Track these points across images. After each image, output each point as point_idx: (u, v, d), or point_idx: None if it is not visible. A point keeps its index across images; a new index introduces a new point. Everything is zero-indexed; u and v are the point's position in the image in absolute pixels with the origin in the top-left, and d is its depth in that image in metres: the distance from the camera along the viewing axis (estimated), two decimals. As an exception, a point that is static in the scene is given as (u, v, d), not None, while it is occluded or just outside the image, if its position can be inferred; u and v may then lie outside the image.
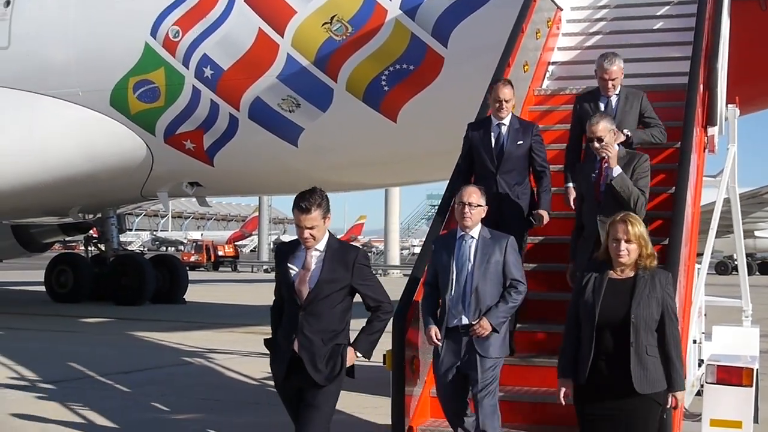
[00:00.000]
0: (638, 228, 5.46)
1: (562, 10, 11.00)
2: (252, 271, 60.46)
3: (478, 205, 6.56)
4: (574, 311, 5.55)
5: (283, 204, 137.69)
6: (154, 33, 16.60)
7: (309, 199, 5.69)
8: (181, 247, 79.17)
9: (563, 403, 5.45)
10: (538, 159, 7.84)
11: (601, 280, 5.50)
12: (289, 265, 5.86)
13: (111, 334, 16.98)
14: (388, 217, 52.59)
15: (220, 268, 62.45)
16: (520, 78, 9.33)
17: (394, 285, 12.56)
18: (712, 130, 8.63)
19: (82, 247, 28.50)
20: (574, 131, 8.20)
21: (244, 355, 13.96)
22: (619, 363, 5.34)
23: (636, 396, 5.32)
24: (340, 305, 5.81)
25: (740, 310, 9.62)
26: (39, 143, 17.64)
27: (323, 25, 15.39)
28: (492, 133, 7.73)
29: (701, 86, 8.46)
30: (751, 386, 7.03)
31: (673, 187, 7.47)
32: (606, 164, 7.13)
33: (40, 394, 10.52)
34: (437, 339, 6.45)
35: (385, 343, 6.41)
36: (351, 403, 10.04)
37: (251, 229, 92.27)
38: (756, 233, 54.45)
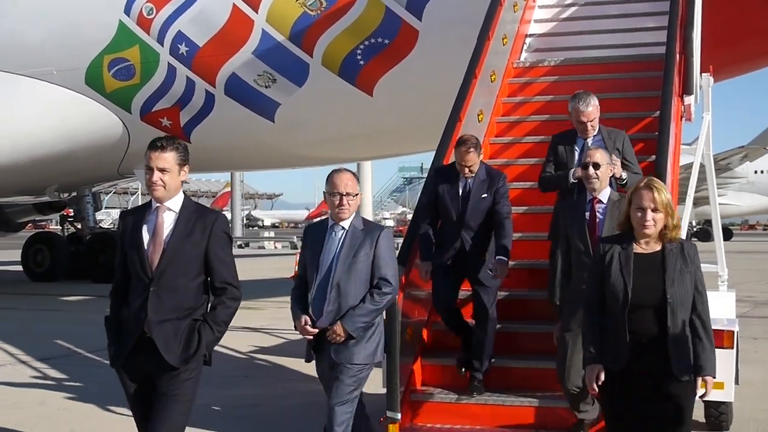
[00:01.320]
0: (665, 195, 4.93)
1: (538, -18, 11.13)
2: (225, 247, 60.18)
3: (356, 194, 5.81)
4: (597, 292, 5.02)
5: (255, 179, 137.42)
6: (127, 11, 16.58)
7: (166, 139, 5.04)
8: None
9: (596, 391, 4.97)
10: (501, 212, 7.22)
11: (627, 256, 4.98)
12: (139, 233, 5.06)
13: (91, 312, 16.99)
14: (361, 189, 52.64)
15: (193, 245, 62.19)
16: (499, 51, 9.48)
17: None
18: (689, 99, 8.80)
19: (54, 227, 28.46)
20: (548, 168, 7.47)
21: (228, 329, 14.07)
22: (655, 347, 4.87)
23: (675, 381, 4.87)
24: (198, 278, 5.06)
25: (716, 276, 9.84)
26: (13, 123, 17.59)
27: (297, 0, 15.44)
28: (459, 185, 7.26)
29: (677, 55, 8.62)
30: (732, 348, 7.22)
31: (653, 156, 7.62)
32: (597, 202, 6.44)
33: (33, 371, 10.64)
34: (309, 331, 5.74)
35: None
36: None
37: (222, 205, 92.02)
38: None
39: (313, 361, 5.96)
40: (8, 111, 17.65)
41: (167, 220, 5.02)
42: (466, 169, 7.14)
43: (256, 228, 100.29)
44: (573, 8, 11.10)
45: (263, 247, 52.92)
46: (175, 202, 5.07)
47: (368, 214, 54.07)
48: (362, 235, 5.77)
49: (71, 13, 17.16)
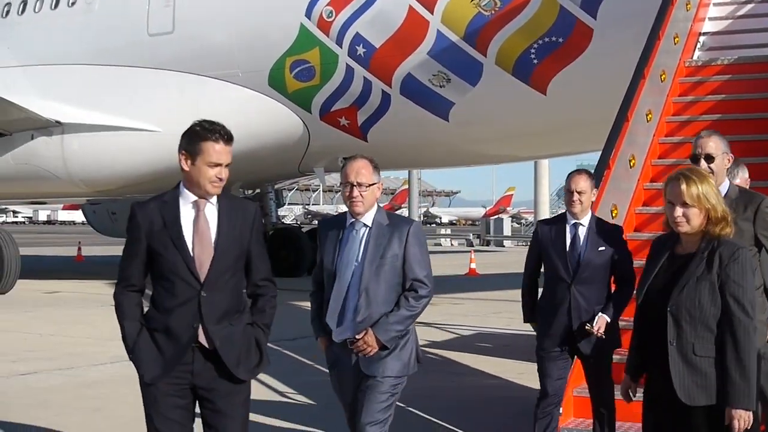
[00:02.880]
0: (699, 187, 4.29)
1: (712, -21, 10.97)
2: (402, 243, 60.97)
3: (371, 184, 5.07)
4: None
5: (432, 177, 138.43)
6: (308, 14, 17.19)
7: (225, 128, 4.59)
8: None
9: (626, 401, 4.66)
10: (623, 267, 6.39)
11: (660, 255, 4.49)
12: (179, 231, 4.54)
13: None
14: (538, 188, 52.22)
15: (371, 241, 63.30)
16: (670, 50, 9.43)
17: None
18: None
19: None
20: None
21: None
22: (663, 366, 4.33)
23: (690, 408, 4.26)
24: (239, 274, 4.67)
25: None
26: (204, 123, 18.51)
27: (472, 0, 15.65)
28: (567, 234, 6.48)
29: None
30: None
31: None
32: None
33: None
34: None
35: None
36: (508, 369, 10.43)
37: (400, 202, 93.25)
38: None
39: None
40: (198, 111, 18.52)
41: (209, 215, 4.56)
42: (573, 202, 6.42)
43: (433, 225, 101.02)
44: (749, 5, 10.86)
45: (440, 244, 53.33)
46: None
47: (545, 212, 53.83)
48: (389, 231, 5.09)
49: (255, 17, 17.90)
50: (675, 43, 9.63)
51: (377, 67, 16.79)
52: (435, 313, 16.36)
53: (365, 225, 5.11)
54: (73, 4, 20.09)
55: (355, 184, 5.01)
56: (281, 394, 9.30)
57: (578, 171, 6.59)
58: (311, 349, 11.51)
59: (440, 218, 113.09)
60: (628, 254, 6.51)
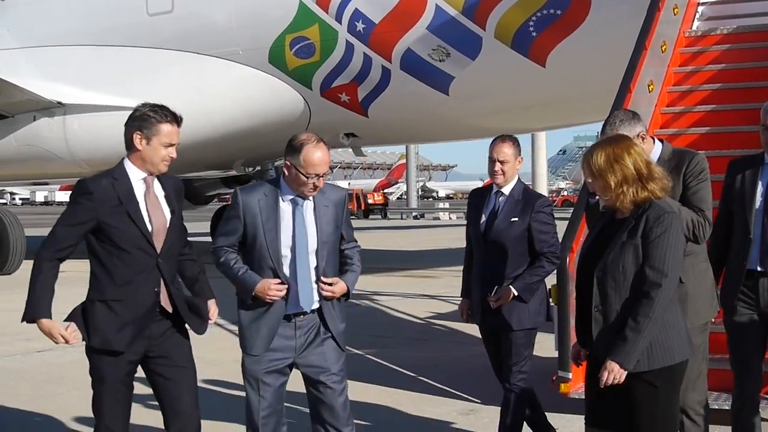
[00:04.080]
0: (598, 159, 4.36)
1: (711, -52, 11.04)
2: (401, 218, 61.46)
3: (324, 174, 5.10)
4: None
5: (429, 151, 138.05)
6: (307, -9, 17.26)
7: (175, 112, 4.99)
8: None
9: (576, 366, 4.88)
10: (540, 240, 6.14)
11: (598, 222, 4.62)
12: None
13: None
14: (535, 159, 52.37)
15: (370, 216, 63.65)
16: (670, 20, 9.53)
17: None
18: None
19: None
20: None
21: (405, 297, 14.69)
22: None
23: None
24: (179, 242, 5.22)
25: None
26: (205, 101, 18.62)
27: (470, -26, 15.72)
28: (486, 206, 6.31)
29: None
30: None
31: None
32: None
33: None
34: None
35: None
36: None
37: (397, 177, 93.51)
38: None
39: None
40: (200, 90, 18.70)
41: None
42: (495, 172, 6.27)
43: (430, 199, 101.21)
44: (748, -26, 10.97)
45: (438, 218, 53.57)
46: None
47: (543, 184, 53.97)
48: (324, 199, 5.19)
49: (254, -5, 17.96)
50: (675, 14, 9.73)
51: (377, 43, 16.87)
52: (438, 285, 16.58)
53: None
54: (72, -16, 20.13)
55: (320, 175, 5.11)
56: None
57: (502, 138, 6.29)
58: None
59: (437, 192, 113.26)
60: (546, 224, 6.19)
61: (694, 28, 10.32)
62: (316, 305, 5.17)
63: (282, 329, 5.13)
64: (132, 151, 4.94)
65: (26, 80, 19.56)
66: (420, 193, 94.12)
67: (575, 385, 6.93)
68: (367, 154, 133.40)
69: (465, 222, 6.65)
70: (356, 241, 5.41)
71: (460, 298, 6.62)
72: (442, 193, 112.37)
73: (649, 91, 8.76)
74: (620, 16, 13.71)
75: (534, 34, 15.49)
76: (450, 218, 54.99)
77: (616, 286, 4.30)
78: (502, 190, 6.23)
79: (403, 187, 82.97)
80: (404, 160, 74.91)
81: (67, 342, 4.85)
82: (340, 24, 17.01)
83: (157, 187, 4.99)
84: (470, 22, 15.88)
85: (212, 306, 5.26)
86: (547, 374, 7.13)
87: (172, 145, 4.91)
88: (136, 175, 4.93)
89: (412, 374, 9.13)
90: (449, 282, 16.70)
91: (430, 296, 15.01)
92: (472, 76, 16.39)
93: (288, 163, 5.02)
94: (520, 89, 16.61)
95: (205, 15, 18.46)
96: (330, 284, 5.14)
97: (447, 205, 72.81)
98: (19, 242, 19.96)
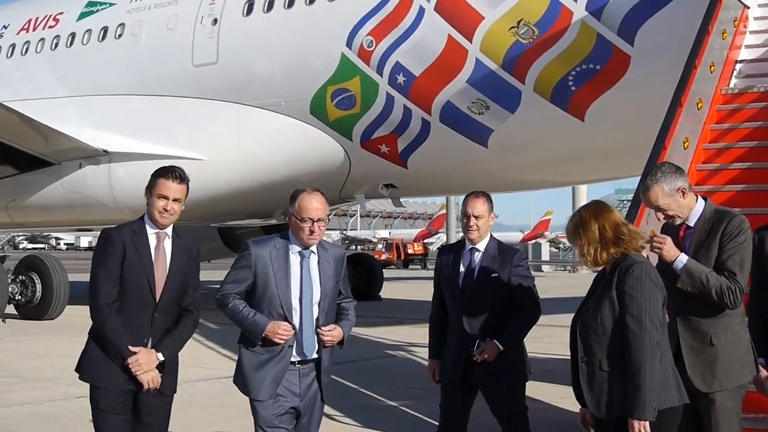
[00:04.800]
0: (572, 224, 4.84)
1: (749, 8, 11.11)
2: (440, 269, 61.10)
3: (320, 220, 5.49)
4: None
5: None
6: (349, 44, 17.51)
7: (181, 170, 5.60)
8: (371, 246, 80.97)
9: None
10: (521, 293, 6.28)
11: (595, 280, 4.91)
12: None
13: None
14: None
15: (410, 266, 63.61)
16: (707, 78, 9.59)
17: (583, 280, 12.91)
18: None
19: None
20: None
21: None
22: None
23: (605, 421, 4.57)
24: (179, 300, 5.65)
25: None
26: (247, 151, 18.92)
27: (510, 29, 15.87)
28: (462, 262, 6.32)
29: None
30: None
31: None
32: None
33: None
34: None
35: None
36: (549, 392, 10.58)
37: (438, 227, 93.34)
38: None
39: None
40: (241, 140, 18.99)
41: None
42: (470, 227, 6.33)
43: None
44: (786, 33, 11.03)
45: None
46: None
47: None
48: (326, 256, 5.59)
49: (297, 47, 18.24)
50: (711, 72, 9.79)
51: (417, 96, 17.04)
52: (475, 337, 16.52)
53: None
54: (120, 36, 20.61)
55: (315, 220, 5.47)
56: (327, 416, 9.52)
57: (475, 194, 6.36)
58: (354, 374, 11.81)
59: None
60: (526, 278, 6.28)
61: (731, 85, 10.36)
62: (315, 355, 5.44)
63: (287, 375, 5.38)
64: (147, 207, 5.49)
65: (73, 128, 20.04)
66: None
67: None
68: (407, 204, 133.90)
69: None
70: (353, 297, 5.75)
71: (430, 360, 6.59)
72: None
73: (684, 148, 8.81)
74: (660, 70, 13.77)
75: (573, 88, 15.60)
76: (490, 269, 54.79)
77: (596, 338, 4.56)
78: (476, 246, 6.26)
79: (443, 237, 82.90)
80: (444, 211, 74.96)
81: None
82: (381, 76, 17.23)
83: (168, 245, 5.42)
84: (510, 76, 16.02)
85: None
86: (577, 429, 7.09)
87: (167, 198, 5.36)
88: (150, 229, 5.45)
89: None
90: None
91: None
92: (511, 129, 16.50)
93: (289, 213, 5.44)
94: (558, 143, 16.68)
95: (248, 66, 18.79)
96: (329, 331, 5.40)
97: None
98: (63, 287, 20.26)
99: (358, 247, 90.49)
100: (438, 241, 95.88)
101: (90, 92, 20.76)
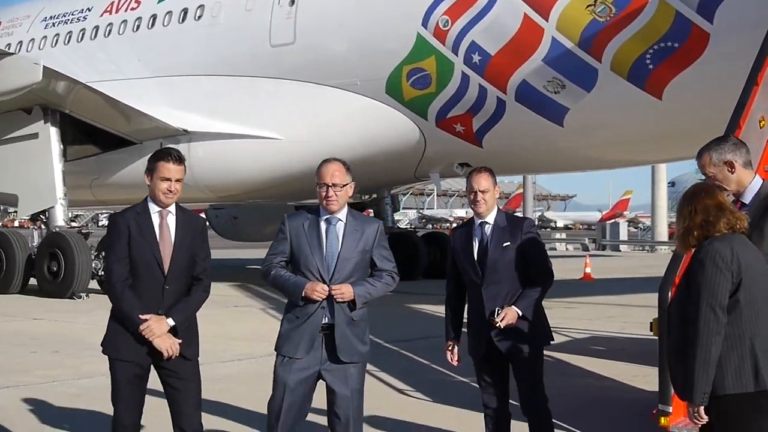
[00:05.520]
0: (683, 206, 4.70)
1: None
2: (517, 248, 60.72)
3: (344, 185, 5.75)
4: None
5: (547, 181, 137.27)
6: (425, 23, 17.58)
7: (177, 151, 5.83)
8: (447, 224, 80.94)
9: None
10: (534, 260, 6.37)
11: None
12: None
13: (389, 306, 18.18)
14: (655, 191, 51.53)
15: (486, 246, 63.19)
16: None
17: (661, 260, 12.82)
18: None
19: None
20: None
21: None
22: None
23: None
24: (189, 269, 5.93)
25: None
26: (323, 130, 19.12)
27: (587, 7, 15.79)
28: (474, 237, 6.40)
29: None
30: None
31: None
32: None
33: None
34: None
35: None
36: (622, 371, 10.58)
37: (515, 206, 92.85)
38: None
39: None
40: (318, 119, 19.20)
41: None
42: (477, 201, 6.34)
43: (548, 229, 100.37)
44: None
45: (555, 248, 53.09)
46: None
47: (663, 216, 52.85)
48: (359, 226, 5.87)
49: (373, 27, 18.39)
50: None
51: (492, 75, 17.05)
52: (549, 316, 16.44)
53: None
54: (199, 17, 20.97)
55: (330, 184, 5.72)
56: (399, 391, 9.68)
57: (478, 170, 6.38)
58: (426, 350, 11.95)
59: (555, 222, 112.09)
60: (537, 244, 6.42)
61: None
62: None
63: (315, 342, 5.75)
64: (148, 188, 5.76)
65: (154, 108, 20.44)
66: (538, 223, 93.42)
67: (675, 419, 6.92)
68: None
69: (581, 252, 6.75)
70: (389, 270, 5.94)
71: (448, 341, 6.56)
72: (560, 224, 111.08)
73: (761, 127, 8.70)
74: (739, 48, 13.55)
75: (651, 66, 15.46)
76: (567, 249, 54.43)
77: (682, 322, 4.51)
78: (485, 219, 6.37)
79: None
80: (521, 190, 74.62)
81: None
82: (457, 56, 17.26)
83: (171, 221, 5.72)
84: (586, 55, 15.94)
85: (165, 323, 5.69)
86: (648, 407, 7.13)
87: (169, 179, 5.63)
88: (153, 209, 5.74)
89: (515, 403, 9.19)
90: (560, 313, 16.63)
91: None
92: (587, 108, 16.43)
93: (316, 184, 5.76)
94: (636, 121, 16.56)
95: (325, 47, 18.98)
96: (337, 288, 5.70)
97: (564, 236, 72.05)
98: (84, 266, 19.72)
99: (434, 225, 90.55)
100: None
101: (170, 73, 21.18)
